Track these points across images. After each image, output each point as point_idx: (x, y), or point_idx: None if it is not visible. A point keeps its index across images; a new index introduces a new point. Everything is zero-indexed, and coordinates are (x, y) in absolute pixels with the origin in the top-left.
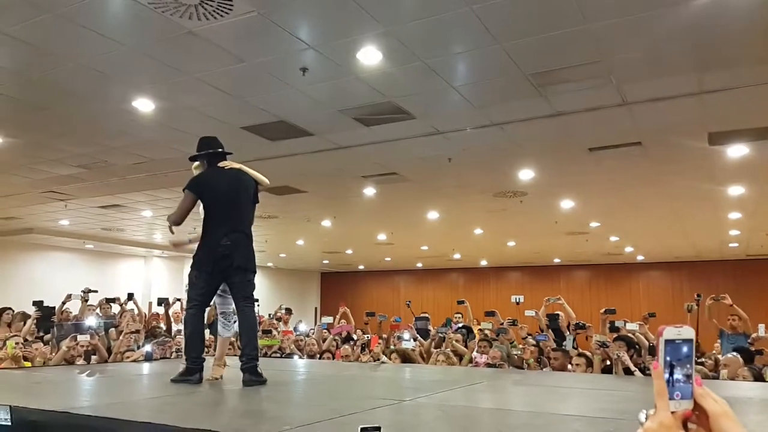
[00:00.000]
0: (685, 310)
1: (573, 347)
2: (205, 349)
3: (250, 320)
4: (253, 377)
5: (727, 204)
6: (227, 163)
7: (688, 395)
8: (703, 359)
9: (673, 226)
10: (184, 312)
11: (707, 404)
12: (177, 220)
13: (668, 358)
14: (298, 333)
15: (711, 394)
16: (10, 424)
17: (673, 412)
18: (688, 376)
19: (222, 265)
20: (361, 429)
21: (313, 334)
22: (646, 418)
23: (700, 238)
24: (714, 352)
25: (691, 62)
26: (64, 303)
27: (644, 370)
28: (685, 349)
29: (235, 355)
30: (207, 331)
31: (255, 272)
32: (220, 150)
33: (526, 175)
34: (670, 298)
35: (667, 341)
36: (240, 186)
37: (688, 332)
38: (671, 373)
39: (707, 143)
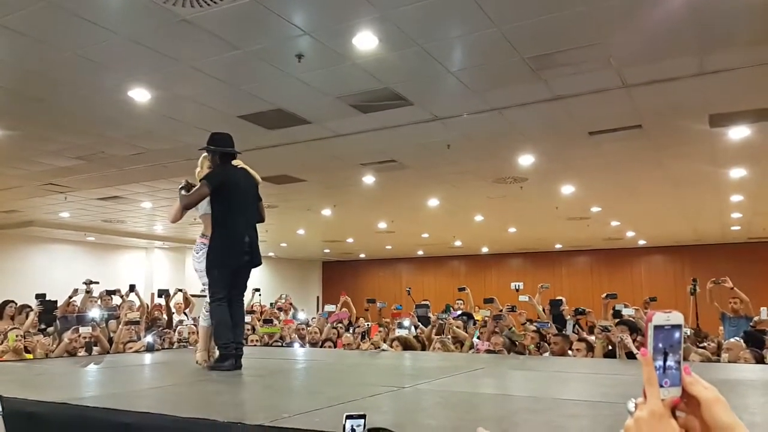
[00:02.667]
0: (688, 293)
1: (574, 332)
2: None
3: (243, 312)
4: (240, 363)
5: (728, 187)
6: (238, 163)
7: (677, 382)
8: (705, 343)
9: (674, 210)
10: (208, 305)
11: (698, 391)
12: (189, 204)
13: (660, 345)
14: (299, 322)
15: (701, 381)
16: (1, 415)
17: (662, 400)
18: (678, 363)
19: (242, 260)
20: (347, 416)
21: (314, 322)
22: (635, 407)
23: (701, 222)
24: (718, 336)
25: (691, 43)
26: (70, 297)
27: None
28: (675, 335)
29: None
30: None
31: None
32: (233, 150)
33: (525, 160)
34: (671, 282)
35: (656, 327)
36: (252, 185)
37: (676, 318)
38: (664, 360)
39: (708, 125)
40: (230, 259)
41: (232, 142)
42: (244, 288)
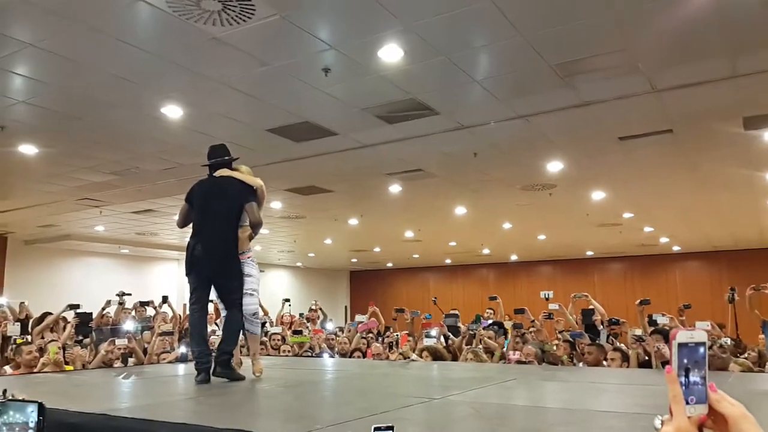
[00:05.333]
0: (726, 301)
1: (608, 342)
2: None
3: (232, 322)
4: (222, 369)
5: (765, 190)
6: (222, 172)
7: (703, 399)
8: (747, 353)
9: (709, 215)
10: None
11: (725, 408)
12: (178, 223)
13: (685, 361)
14: (328, 332)
15: (727, 397)
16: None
17: (688, 417)
18: (703, 379)
19: (203, 271)
20: (375, 428)
21: (342, 332)
22: (662, 424)
23: (738, 226)
24: (759, 345)
25: (723, 45)
26: (104, 308)
27: None
28: (700, 351)
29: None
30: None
31: (238, 277)
32: (216, 159)
33: (554, 167)
34: (708, 288)
35: (680, 345)
36: (220, 194)
37: (700, 335)
38: (687, 377)
39: (742, 128)
40: (188, 270)
41: (221, 152)
42: (228, 300)
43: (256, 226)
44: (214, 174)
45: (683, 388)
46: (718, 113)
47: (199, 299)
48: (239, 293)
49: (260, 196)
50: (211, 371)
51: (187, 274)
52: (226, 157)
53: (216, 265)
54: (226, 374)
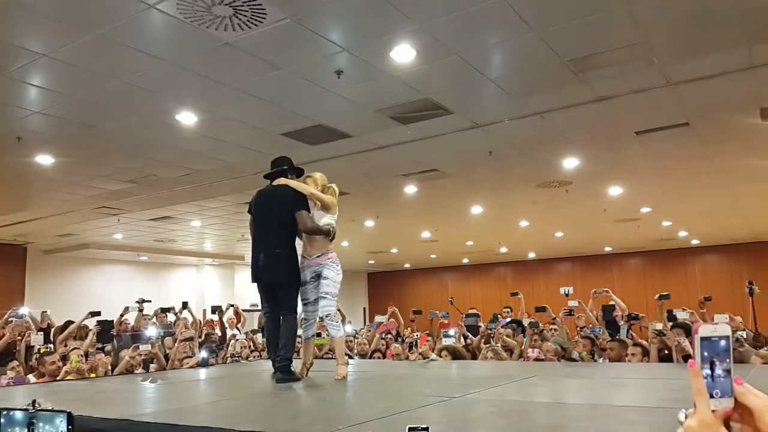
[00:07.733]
0: (747, 293)
1: (628, 337)
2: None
3: (290, 327)
4: (282, 375)
5: None
6: (279, 181)
7: (728, 392)
8: (766, 346)
9: (728, 207)
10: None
11: (750, 401)
12: (251, 234)
13: (707, 354)
14: (347, 334)
15: (752, 390)
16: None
17: (713, 411)
18: (728, 372)
19: (264, 280)
20: (409, 429)
21: (361, 333)
22: (686, 417)
23: (757, 218)
24: None
25: (739, 35)
26: (122, 315)
27: None
28: (722, 344)
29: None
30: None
31: (295, 284)
32: (273, 170)
33: (570, 163)
34: (728, 281)
35: (702, 338)
36: (275, 204)
37: (723, 329)
38: (711, 370)
39: (760, 119)
40: (254, 277)
41: (279, 162)
42: (285, 304)
43: (309, 232)
44: (273, 184)
45: (707, 381)
46: (735, 105)
47: (268, 309)
48: (296, 299)
49: (321, 200)
50: (275, 376)
51: (252, 281)
52: (284, 166)
53: (279, 275)
54: (286, 379)
